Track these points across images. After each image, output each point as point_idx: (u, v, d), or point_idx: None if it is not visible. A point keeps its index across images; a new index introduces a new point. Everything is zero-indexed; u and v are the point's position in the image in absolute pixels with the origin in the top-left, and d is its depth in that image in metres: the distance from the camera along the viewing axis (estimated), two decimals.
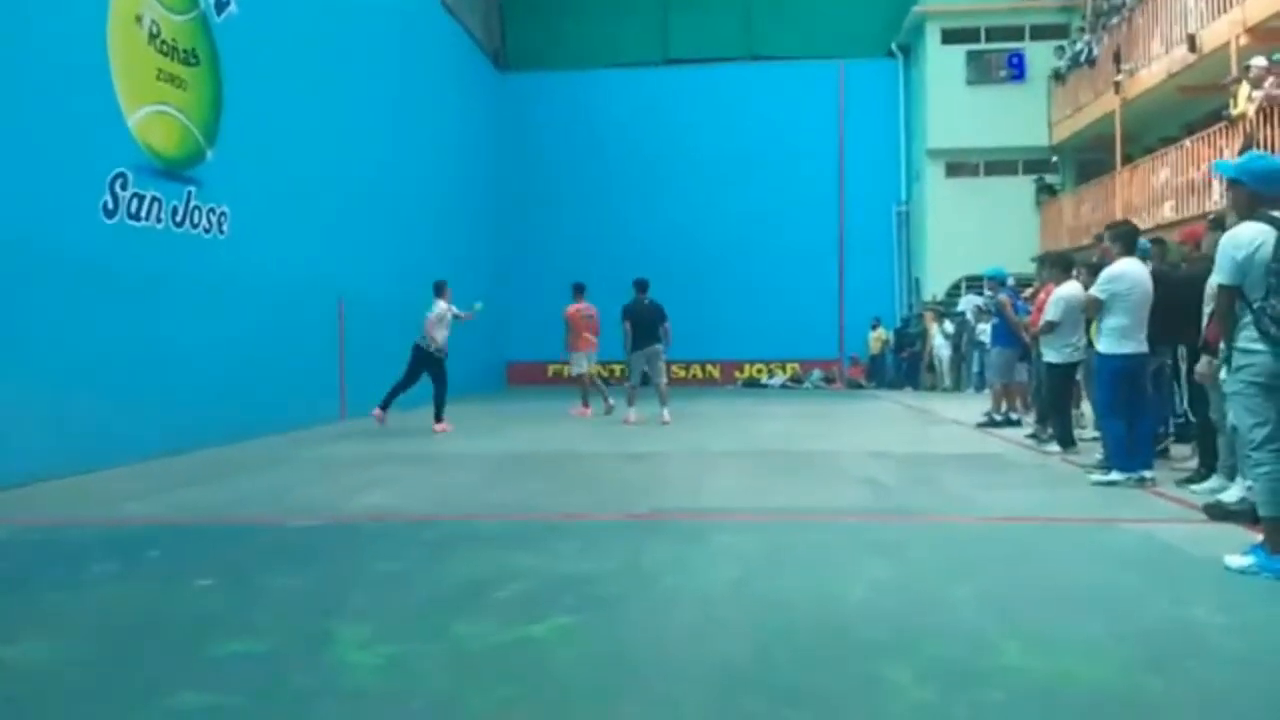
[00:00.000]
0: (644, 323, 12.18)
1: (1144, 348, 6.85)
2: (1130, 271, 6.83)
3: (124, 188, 8.56)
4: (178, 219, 9.34)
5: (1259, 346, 4.31)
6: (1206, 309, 6.15)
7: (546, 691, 3.03)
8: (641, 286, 12.38)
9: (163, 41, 9.18)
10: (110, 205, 8.40)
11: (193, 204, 9.57)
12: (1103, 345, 6.89)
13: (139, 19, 8.86)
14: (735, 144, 22.28)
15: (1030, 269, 19.81)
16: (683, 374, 21.94)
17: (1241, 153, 11.26)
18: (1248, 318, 4.34)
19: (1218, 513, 5.58)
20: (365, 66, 14.06)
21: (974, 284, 20.78)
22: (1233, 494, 5.83)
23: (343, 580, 4.38)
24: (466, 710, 2.89)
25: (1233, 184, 4.68)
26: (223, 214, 10.05)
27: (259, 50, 10.80)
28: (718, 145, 22.29)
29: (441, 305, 11.51)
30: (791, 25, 22.47)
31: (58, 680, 3.19)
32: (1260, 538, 4.75)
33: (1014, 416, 11.46)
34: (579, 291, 13.77)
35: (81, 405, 7.77)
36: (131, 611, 3.95)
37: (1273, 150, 10.60)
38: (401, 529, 5.65)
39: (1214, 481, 6.38)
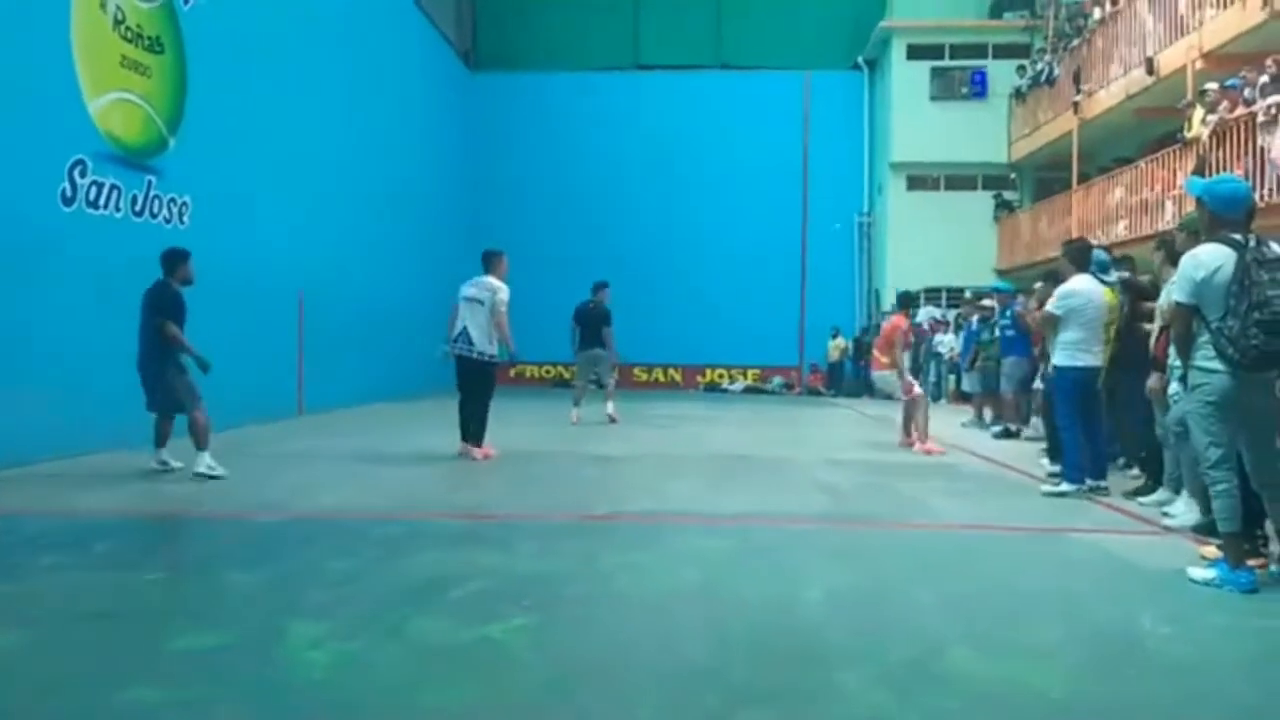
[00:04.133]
0: (586, 325, 12.26)
1: (1098, 360, 7.01)
2: (1083, 288, 6.99)
3: (83, 175, 8.42)
4: (137, 208, 9.20)
5: (1216, 366, 4.35)
6: (1156, 325, 6.32)
7: (503, 690, 3.03)
8: (594, 289, 12.43)
9: (127, 28, 9.05)
10: (69, 192, 8.26)
11: (153, 193, 9.43)
12: (1059, 359, 7.04)
13: (103, 4, 8.72)
14: (702, 150, 22.42)
15: (989, 281, 20.18)
16: (644, 377, 22.03)
17: (1194, 174, 11.56)
18: (1205, 337, 4.40)
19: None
20: (333, 60, 13.95)
21: (932, 296, 21.07)
22: (1179, 507, 5.97)
23: (299, 576, 4.36)
24: (423, 707, 2.90)
25: (1197, 203, 4.77)
26: (184, 204, 9.91)
27: (225, 40, 10.67)
28: (685, 151, 22.42)
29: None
30: (760, 35, 22.68)
31: (12, 673, 3.15)
32: (1202, 550, 4.90)
33: (986, 424, 11.88)
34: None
35: (36, 395, 7.63)
36: (87, 604, 3.89)
37: (1223, 172, 10.85)
38: (359, 526, 5.60)
39: (1161, 494, 6.53)
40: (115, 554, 4.81)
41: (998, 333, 12.29)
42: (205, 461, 7.10)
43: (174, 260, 7.25)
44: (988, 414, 12.98)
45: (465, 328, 8.50)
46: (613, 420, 12.18)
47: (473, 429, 8.63)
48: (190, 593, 4.09)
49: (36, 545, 4.90)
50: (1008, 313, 11.42)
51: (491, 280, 8.65)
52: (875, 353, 10.63)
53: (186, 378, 7.24)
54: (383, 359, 15.38)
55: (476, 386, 8.67)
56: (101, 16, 8.71)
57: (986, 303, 14.34)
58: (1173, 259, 5.62)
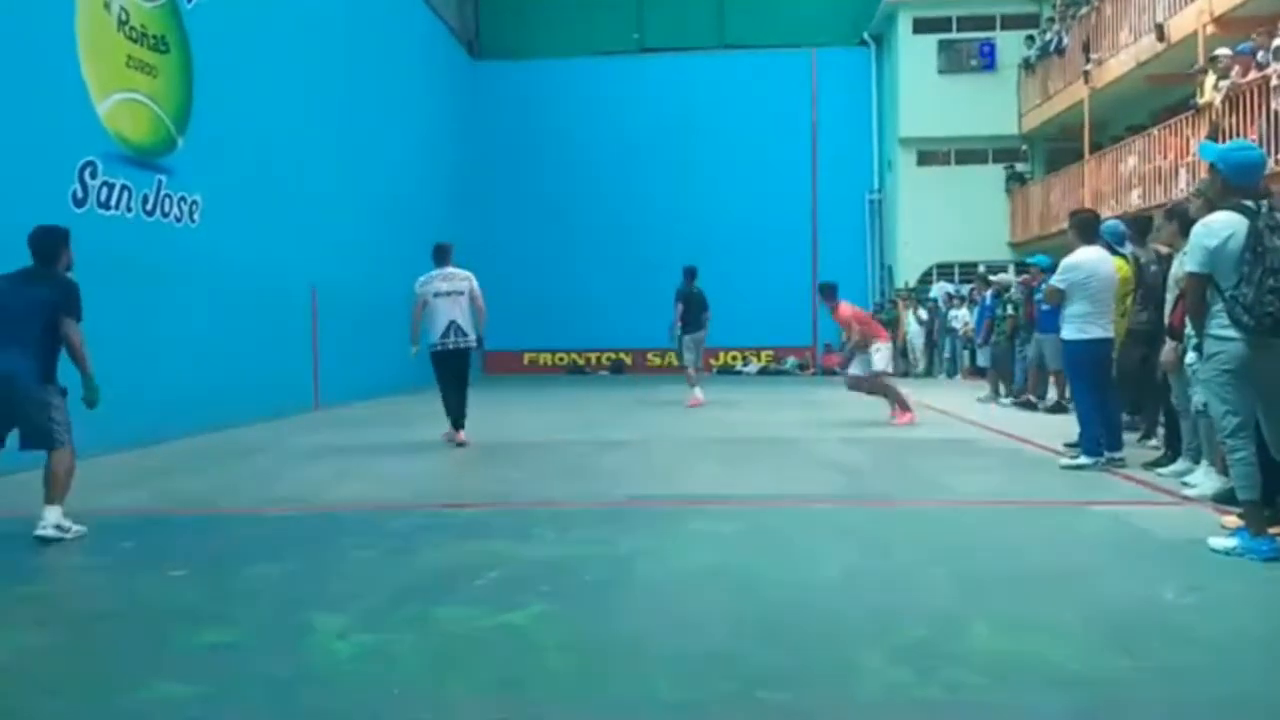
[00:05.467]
0: (689, 308, 12.95)
1: (1108, 333, 6.94)
2: (1087, 261, 6.91)
3: (93, 176, 8.47)
4: (148, 208, 9.25)
5: (1231, 333, 4.32)
6: (1170, 295, 6.26)
7: (525, 677, 3.05)
8: (689, 275, 13.08)
9: (132, 28, 9.07)
10: (79, 194, 8.31)
11: (163, 192, 9.48)
12: (1067, 332, 7.00)
13: (107, 5, 8.75)
14: (709, 132, 22.27)
15: (1002, 255, 20.10)
16: (658, 361, 21.97)
17: (1207, 140, 11.43)
18: (1219, 305, 4.36)
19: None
20: (338, 54, 13.94)
21: (945, 271, 20.98)
22: (1198, 476, 5.95)
23: (319, 569, 4.39)
24: (445, 696, 2.91)
25: (1210, 169, 4.73)
26: (194, 203, 9.96)
27: (230, 37, 10.69)
28: (692, 134, 22.27)
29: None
30: (764, 14, 22.49)
31: (33, 671, 3.18)
32: (1224, 519, 4.88)
33: (1003, 400, 12.06)
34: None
35: None
36: (107, 601, 3.94)
37: (1236, 137, 10.74)
38: (378, 518, 5.64)
39: (1180, 464, 6.49)
40: (132, 552, 4.85)
41: (1011, 309, 12.30)
42: (56, 518, 4.96)
43: (59, 243, 5.30)
44: (1003, 389, 12.93)
45: (454, 321, 8.67)
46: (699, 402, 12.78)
47: (464, 414, 8.79)
48: (211, 588, 4.11)
49: (56, 546, 4.93)
50: (1042, 287, 11.34)
51: (459, 270, 8.90)
52: (881, 332, 11.10)
53: (65, 402, 5.25)
54: (393, 352, 15.41)
55: (466, 373, 8.90)
56: (106, 17, 8.73)
57: (1004, 277, 14.33)
58: (1184, 228, 5.57)
